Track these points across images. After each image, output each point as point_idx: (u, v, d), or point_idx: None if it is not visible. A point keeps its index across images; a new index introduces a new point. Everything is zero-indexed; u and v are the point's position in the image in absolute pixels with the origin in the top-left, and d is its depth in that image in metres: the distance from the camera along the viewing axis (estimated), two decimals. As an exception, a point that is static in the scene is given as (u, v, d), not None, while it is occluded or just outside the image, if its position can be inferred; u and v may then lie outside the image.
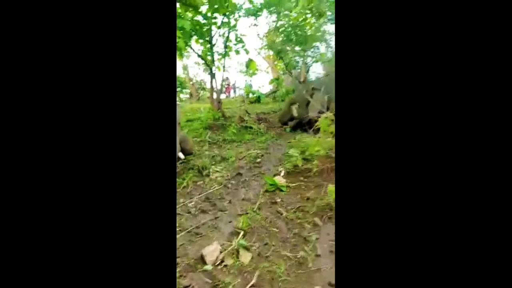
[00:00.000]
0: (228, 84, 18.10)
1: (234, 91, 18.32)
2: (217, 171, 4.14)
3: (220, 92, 8.39)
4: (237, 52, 8.45)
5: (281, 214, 2.75)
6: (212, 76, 8.28)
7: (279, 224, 2.58)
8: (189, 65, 16.29)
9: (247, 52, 8.54)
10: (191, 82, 17.22)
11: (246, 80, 17.96)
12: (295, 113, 6.78)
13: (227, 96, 18.01)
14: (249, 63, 12.27)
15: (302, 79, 9.58)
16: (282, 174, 3.76)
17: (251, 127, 6.82)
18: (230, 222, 2.68)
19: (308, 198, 3.03)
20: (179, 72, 16.77)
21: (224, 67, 8.67)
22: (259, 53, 16.78)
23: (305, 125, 6.42)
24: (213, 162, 4.60)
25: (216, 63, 8.89)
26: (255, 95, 12.15)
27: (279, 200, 3.07)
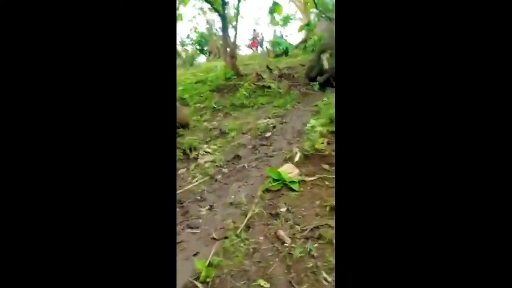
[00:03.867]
0: (254, 38, 16.12)
1: (261, 45, 16.31)
2: (208, 152, 3.02)
3: (234, 46, 6.91)
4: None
5: (283, 243, 1.57)
6: (224, 25, 6.78)
7: (273, 272, 1.41)
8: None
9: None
10: (214, 37, 15.53)
11: (275, 31, 15.73)
12: (325, 64, 5.16)
13: (253, 52, 16.22)
14: (274, 8, 10.27)
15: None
16: (296, 159, 2.50)
17: (268, 87, 5.43)
18: (194, 255, 1.59)
19: (332, 208, 1.79)
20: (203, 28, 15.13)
21: (238, 12, 7.06)
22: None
23: (339, 80, 4.85)
24: (208, 138, 3.47)
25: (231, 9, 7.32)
26: (281, 47, 10.33)
27: (283, 210, 1.87)
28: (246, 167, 2.63)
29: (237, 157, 2.85)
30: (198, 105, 5.05)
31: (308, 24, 10.15)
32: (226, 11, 6.42)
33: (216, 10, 6.31)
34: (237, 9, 6.78)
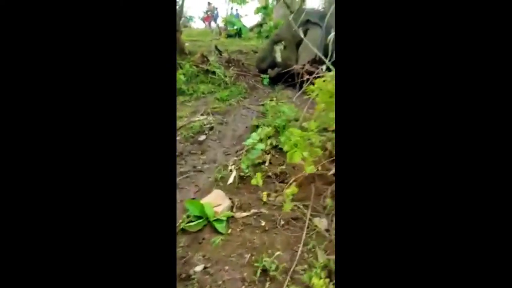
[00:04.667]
0: (208, 11, 14.78)
1: (215, 21, 15.08)
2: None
3: (179, 18, 5.91)
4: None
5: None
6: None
7: None
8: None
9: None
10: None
11: (231, 8, 14.63)
12: (278, 56, 4.68)
13: (206, 27, 14.94)
14: (230, -18, 9.32)
15: (295, 7, 7.11)
16: (230, 180, 1.99)
17: (213, 72, 4.75)
18: None
19: (266, 272, 1.34)
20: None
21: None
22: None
23: (292, 76, 4.41)
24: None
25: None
26: (235, 27, 9.51)
27: (199, 270, 1.35)
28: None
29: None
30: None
31: (265, 7, 9.50)
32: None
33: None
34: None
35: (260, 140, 2.06)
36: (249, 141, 2.01)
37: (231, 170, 2.09)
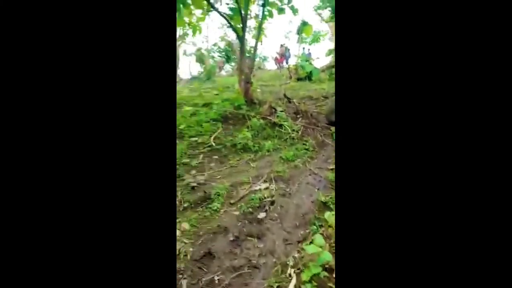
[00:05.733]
0: (281, 54, 15.40)
1: (287, 62, 15.54)
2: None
3: (250, 71, 6.10)
4: (281, 10, 6.00)
5: None
6: (242, 49, 6.01)
7: None
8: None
9: (294, 11, 6.04)
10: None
11: (304, 49, 14.93)
12: (352, 110, 4.28)
13: (278, 67, 15.55)
14: (303, 28, 9.53)
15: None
16: (288, 293, 1.63)
17: (281, 125, 4.60)
18: None
19: None
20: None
21: (260, 30, 6.33)
22: (319, 15, 13.51)
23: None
24: (183, 207, 2.67)
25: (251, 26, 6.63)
26: (305, 70, 9.50)
27: None
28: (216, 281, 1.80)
29: (209, 255, 2.03)
30: (195, 139, 4.30)
31: (338, 49, 9.25)
32: (246, 33, 5.67)
33: (235, 31, 5.56)
34: (259, 30, 6.03)
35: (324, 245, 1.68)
36: (312, 249, 1.65)
37: (290, 275, 1.74)
